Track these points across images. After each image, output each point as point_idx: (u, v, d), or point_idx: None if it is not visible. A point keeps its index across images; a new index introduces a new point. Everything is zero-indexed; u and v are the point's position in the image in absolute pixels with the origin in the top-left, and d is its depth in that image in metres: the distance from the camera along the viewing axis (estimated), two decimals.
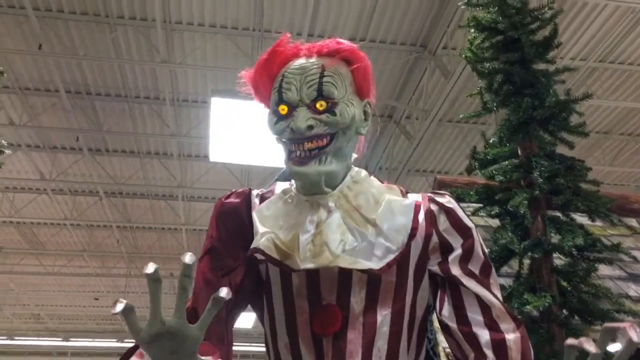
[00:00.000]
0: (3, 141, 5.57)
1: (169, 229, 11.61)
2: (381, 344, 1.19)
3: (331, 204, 1.22)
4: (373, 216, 1.22)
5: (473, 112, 2.35)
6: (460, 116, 2.42)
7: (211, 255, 1.27)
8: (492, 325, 1.18)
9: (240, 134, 6.16)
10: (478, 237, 1.26)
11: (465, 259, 1.23)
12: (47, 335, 16.18)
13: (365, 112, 1.29)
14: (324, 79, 1.21)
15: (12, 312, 16.00)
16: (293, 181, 1.30)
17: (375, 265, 1.17)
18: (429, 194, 1.31)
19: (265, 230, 1.22)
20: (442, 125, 8.18)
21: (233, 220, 1.30)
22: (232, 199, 1.34)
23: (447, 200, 1.28)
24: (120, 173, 9.64)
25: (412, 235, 1.22)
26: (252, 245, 1.21)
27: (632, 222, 3.19)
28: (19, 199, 10.43)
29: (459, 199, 2.37)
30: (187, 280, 0.86)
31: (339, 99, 1.21)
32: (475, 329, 1.18)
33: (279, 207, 1.27)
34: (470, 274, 1.22)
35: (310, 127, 1.19)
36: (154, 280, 0.85)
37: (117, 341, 14.46)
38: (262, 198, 1.34)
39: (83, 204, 10.66)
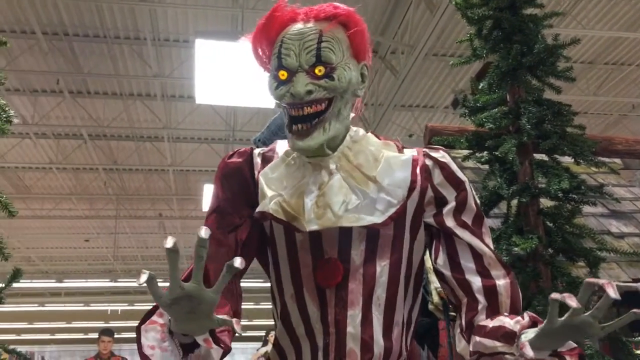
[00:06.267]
0: None
1: (155, 170, 11.61)
2: (380, 293, 1.27)
3: (332, 166, 1.28)
4: (374, 173, 1.28)
5: (463, 58, 2.37)
6: (450, 63, 2.44)
7: (217, 214, 1.34)
8: (483, 272, 1.27)
9: (225, 74, 6.08)
10: (471, 189, 1.34)
11: (458, 211, 1.31)
12: (40, 277, 16.39)
13: (362, 74, 1.33)
14: (322, 45, 1.24)
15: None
16: None
17: (377, 219, 1.24)
18: (424, 149, 1.38)
19: (273, 194, 1.28)
20: (427, 59, 8.13)
21: (237, 180, 1.36)
22: (234, 159, 1.39)
23: (441, 155, 1.35)
24: (104, 115, 9.53)
25: (411, 188, 1.28)
26: (260, 209, 1.28)
27: (616, 160, 3.28)
28: (2, 143, 10.31)
29: (449, 147, 2.43)
30: (202, 250, 0.93)
31: (336, 64, 1.25)
32: (468, 276, 1.27)
33: (283, 169, 1.32)
34: (463, 225, 1.31)
35: (309, 92, 1.23)
36: (173, 252, 0.91)
37: (110, 280, 14.72)
38: (264, 157, 1.39)
39: (67, 147, 10.58)
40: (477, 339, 1.21)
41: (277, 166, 1.33)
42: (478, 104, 2.32)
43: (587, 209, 2.70)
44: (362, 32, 1.31)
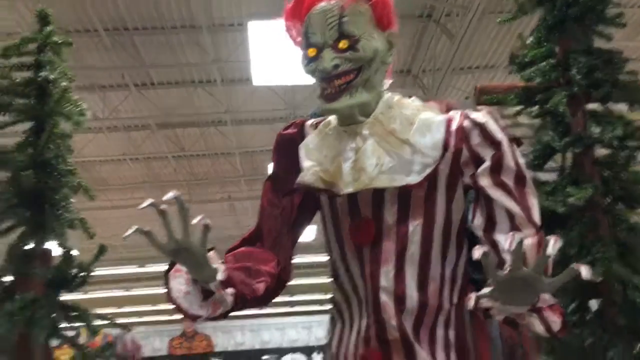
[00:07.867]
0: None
1: (221, 153, 11.92)
2: (414, 250, 1.35)
3: (365, 132, 1.37)
4: (407, 136, 1.35)
5: (510, 14, 2.36)
6: (497, 20, 2.44)
7: (273, 180, 1.50)
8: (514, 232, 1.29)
9: (280, 54, 6.19)
10: (510, 149, 1.33)
11: (495, 171, 1.32)
12: (124, 264, 17.22)
13: (389, 42, 1.41)
14: (343, 19, 1.33)
15: (85, 245, 17.02)
16: None
17: (413, 179, 1.32)
18: (466, 111, 1.40)
19: (310, 164, 1.40)
20: (483, 18, 7.90)
21: (289, 150, 1.48)
22: (289, 130, 1.53)
23: (481, 115, 1.36)
24: (168, 104, 9.87)
25: (445, 148, 1.34)
26: (298, 180, 1.40)
27: None
28: (78, 139, 10.83)
29: (499, 104, 2.44)
30: (184, 210, 1.13)
31: (359, 36, 1.34)
32: (497, 237, 1.30)
33: (321, 139, 1.43)
34: (499, 184, 1.32)
35: (336, 66, 1.33)
36: (160, 212, 1.12)
37: None
38: (316, 127, 1.49)
39: (137, 138, 11.01)
40: None
41: (316, 137, 1.45)
42: (526, 59, 2.32)
43: None
44: (385, 2, 1.39)
